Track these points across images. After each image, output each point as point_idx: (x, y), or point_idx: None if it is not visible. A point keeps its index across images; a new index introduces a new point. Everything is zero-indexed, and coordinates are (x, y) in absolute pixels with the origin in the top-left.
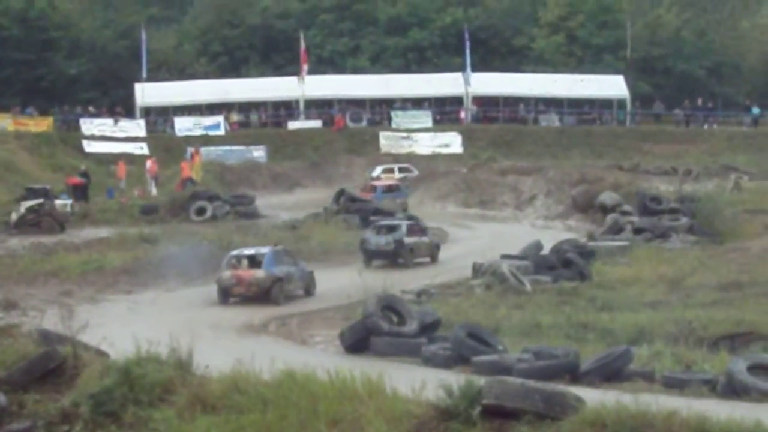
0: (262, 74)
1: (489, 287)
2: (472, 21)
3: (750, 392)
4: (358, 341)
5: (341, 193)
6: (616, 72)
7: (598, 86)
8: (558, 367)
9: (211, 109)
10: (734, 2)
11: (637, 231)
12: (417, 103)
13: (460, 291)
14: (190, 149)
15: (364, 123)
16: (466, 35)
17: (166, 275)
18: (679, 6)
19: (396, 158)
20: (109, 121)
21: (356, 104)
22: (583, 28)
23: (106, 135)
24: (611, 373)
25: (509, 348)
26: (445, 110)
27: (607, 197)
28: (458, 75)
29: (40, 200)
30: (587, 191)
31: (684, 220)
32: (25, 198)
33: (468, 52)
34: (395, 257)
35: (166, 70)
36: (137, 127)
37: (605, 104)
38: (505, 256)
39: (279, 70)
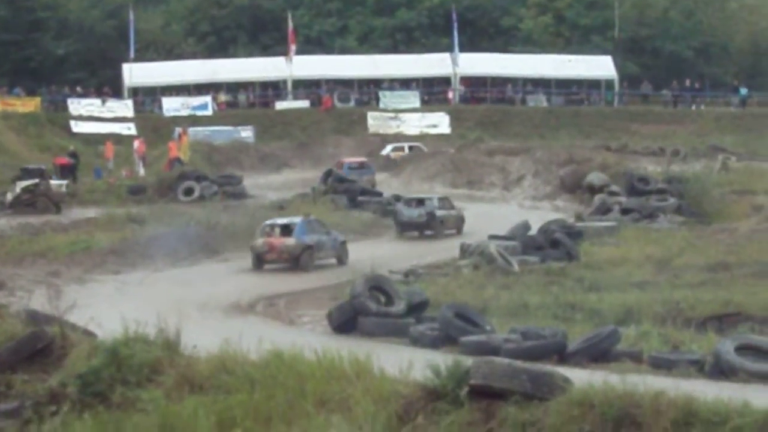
0: (250, 54)
1: (477, 267)
2: (460, 1)
3: (737, 373)
4: (346, 321)
5: (329, 173)
6: (604, 52)
7: (586, 67)
8: (545, 348)
9: (199, 89)
10: None
11: (625, 211)
12: (405, 83)
13: (448, 271)
14: (178, 129)
15: (351, 103)
16: (454, 15)
17: (154, 255)
18: None
19: (384, 138)
20: (97, 101)
21: (344, 84)
22: (571, 9)
23: (93, 115)
24: (599, 354)
25: (497, 328)
26: (432, 91)
27: (595, 177)
28: (446, 55)
29: (36, 180)
30: (575, 172)
31: (672, 201)
32: (20, 178)
33: (456, 32)
34: (427, 228)
35: (154, 50)
36: (125, 107)
37: (593, 85)
38: (492, 237)
39: (267, 51)
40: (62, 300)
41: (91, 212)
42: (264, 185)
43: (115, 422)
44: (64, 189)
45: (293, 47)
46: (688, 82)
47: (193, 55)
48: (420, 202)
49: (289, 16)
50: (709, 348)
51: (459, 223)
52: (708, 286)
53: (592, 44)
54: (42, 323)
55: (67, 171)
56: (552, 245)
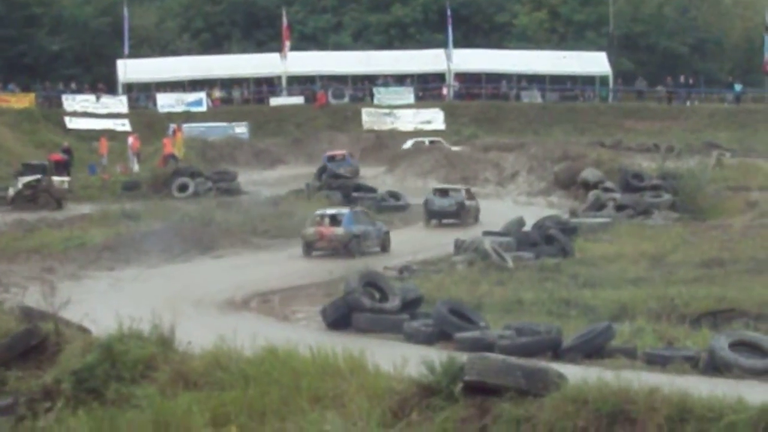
0: (245, 51)
1: (471, 264)
2: None
3: (732, 369)
4: (340, 318)
5: (323, 169)
6: (599, 49)
7: (580, 63)
8: (540, 344)
9: (194, 85)
10: None
11: (620, 208)
12: (399, 79)
13: (443, 267)
14: (172, 126)
15: (346, 99)
16: (449, 12)
17: (148, 252)
18: None
19: (378, 135)
20: (91, 97)
21: (338, 81)
22: (566, 5)
23: (88, 111)
24: (593, 350)
25: (491, 324)
26: (427, 87)
27: (590, 174)
28: (440, 51)
29: (38, 176)
30: (569, 168)
31: (666, 197)
32: (22, 174)
33: (450, 28)
34: (456, 217)
35: (148, 46)
36: (119, 103)
37: (587, 81)
38: (487, 233)
39: (261, 47)
40: (56, 296)
41: (85, 208)
42: (258, 181)
43: (109, 418)
44: (65, 185)
45: (288, 43)
46: (682, 79)
47: (188, 52)
48: (446, 192)
49: (284, 12)
50: (703, 344)
51: (477, 213)
52: (702, 282)
53: (587, 40)
54: (36, 320)
55: (61, 167)
56: (546, 241)
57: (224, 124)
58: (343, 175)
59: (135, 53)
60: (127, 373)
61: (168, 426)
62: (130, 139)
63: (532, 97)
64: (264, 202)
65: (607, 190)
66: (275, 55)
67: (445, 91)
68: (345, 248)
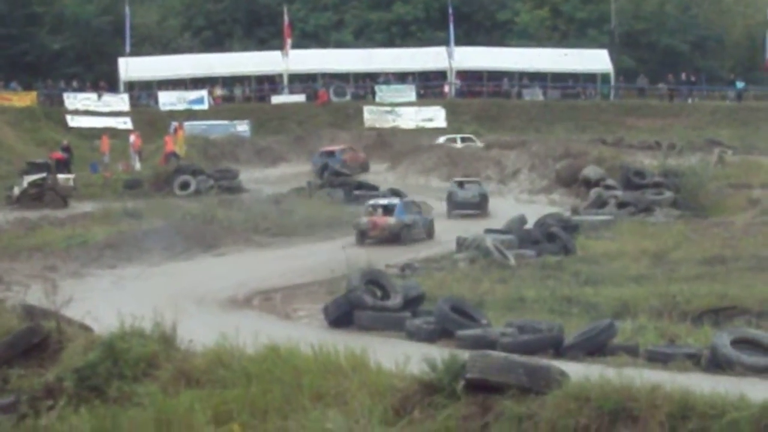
0: (246, 49)
1: (473, 261)
2: None
3: (734, 366)
4: (342, 315)
5: (325, 167)
6: (600, 46)
7: (581, 60)
8: (542, 341)
9: (195, 83)
10: None
11: (621, 205)
12: (401, 77)
13: (445, 265)
14: (174, 123)
15: (347, 97)
16: (450, 9)
17: (150, 250)
18: None
19: (380, 132)
20: (93, 95)
21: (340, 78)
22: (567, 2)
23: (89, 110)
24: (595, 348)
25: (493, 322)
26: (428, 84)
27: (591, 171)
28: (442, 49)
29: (43, 174)
30: (571, 165)
31: (668, 195)
32: (27, 172)
33: (452, 26)
34: (479, 208)
35: (150, 44)
36: (121, 101)
37: (589, 78)
38: (489, 230)
39: (263, 45)
40: (58, 294)
41: (87, 206)
42: (260, 179)
43: (111, 416)
44: (71, 182)
45: (289, 41)
46: (684, 76)
47: (189, 50)
48: (462, 185)
49: (285, 10)
50: (705, 342)
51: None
52: (704, 279)
53: (588, 38)
54: (38, 318)
55: (62, 165)
56: (548, 239)
57: (226, 122)
58: (344, 173)
59: (136, 51)
60: (129, 371)
61: (170, 424)
62: (132, 137)
63: (534, 94)
64: (266, 200)
65: (608, 187)
66: (277, 53)
67: (446, 88)
68: (396, 236)
